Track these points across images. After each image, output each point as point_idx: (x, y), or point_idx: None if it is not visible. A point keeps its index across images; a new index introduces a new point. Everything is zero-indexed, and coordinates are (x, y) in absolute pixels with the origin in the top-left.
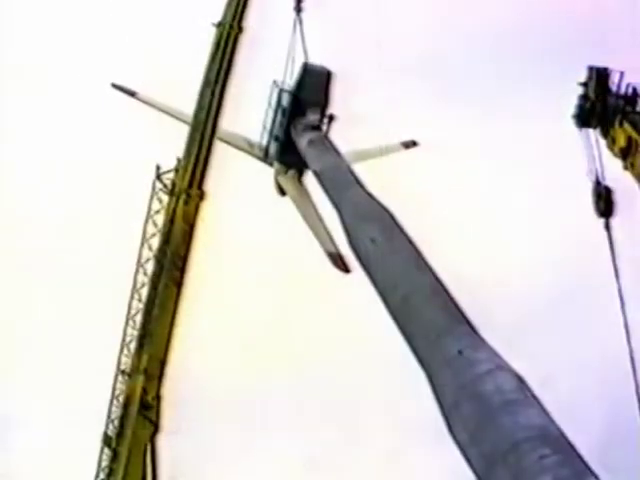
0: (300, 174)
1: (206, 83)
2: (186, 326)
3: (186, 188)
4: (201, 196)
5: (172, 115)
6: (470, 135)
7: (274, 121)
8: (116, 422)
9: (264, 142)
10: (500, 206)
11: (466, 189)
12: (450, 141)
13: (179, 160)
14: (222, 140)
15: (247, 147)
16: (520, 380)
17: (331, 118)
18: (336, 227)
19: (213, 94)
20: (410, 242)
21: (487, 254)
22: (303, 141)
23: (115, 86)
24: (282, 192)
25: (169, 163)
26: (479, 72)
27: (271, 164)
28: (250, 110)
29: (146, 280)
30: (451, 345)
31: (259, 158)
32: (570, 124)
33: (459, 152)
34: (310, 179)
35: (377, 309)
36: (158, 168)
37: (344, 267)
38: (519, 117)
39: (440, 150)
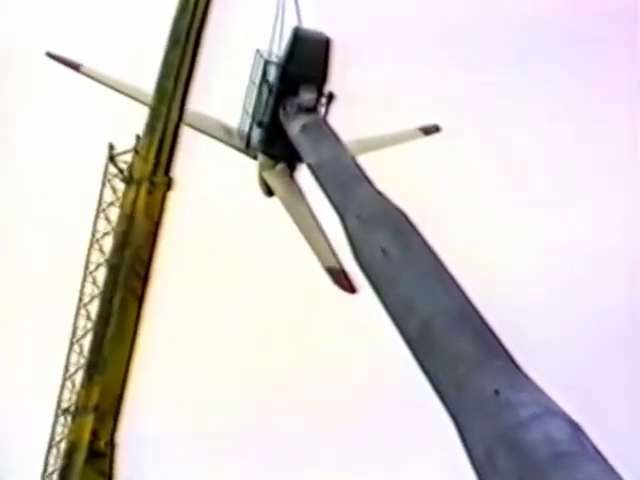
0: (291, 169)
1: (172, 43)
2: (149, 351)
3: (149, 174)
4: (168, 184)
5: (124, 92)
6: (497, 118)
7: (258, 101)
8: (56, 477)
9: (245, 128)
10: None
11: (494, 185)
12: (474, 125)
13: (139, 138)
14: (191, 126)
15: (223, 135)
16: (576, 427)
17: (330, 97)
18: (337, 235)
19: (183, 56)
20: (431, 252)
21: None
22: (295, 127)
23: (52, 56)
24: (269, 191)
25: (126, 142)
26: (504, 41)
27: (254, 156)
28: (227, 87)
29: (97, 292)
30: (485, 383)
31: (238, 149)
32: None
33: (484, 138)
34: (304, 175)
35: (388, 334)
36: (111, 147)
37: (348, 286)
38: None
39: (462, 136)
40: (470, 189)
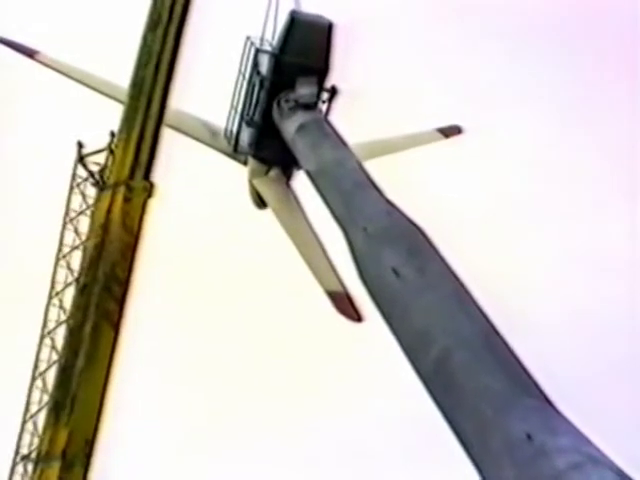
0: (287, 176)
1: (152, 24)
2: (126, 386)
3: (126, 178)
4: (149, 190)
5: (88, 84)
6: (521, 117)
7: (248, 97)
8: None
9: (233, 128)
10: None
11: (515, 192)
12: (495, 126)
13: (113, 135)
14: (169, 126)
15: (207, 136)
16: (624, 478)
17: (333, 92)
18: (341, 253)
19: (164, 39)
20: (450, 272)
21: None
22: (291, 126)
23: (3, 42)
24: (261, 202)
25: (98, 140)
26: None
27: (244, 161)
28: (211, 80)
29: (63, 317)
30: (515, 425)
31: (225, 153)
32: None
33: (506, 140)
34: (301, 183)
35: (399, 368)
36: (80, 146)
37: (354, 313)
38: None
39: (483, 137)
40: (489, 197)
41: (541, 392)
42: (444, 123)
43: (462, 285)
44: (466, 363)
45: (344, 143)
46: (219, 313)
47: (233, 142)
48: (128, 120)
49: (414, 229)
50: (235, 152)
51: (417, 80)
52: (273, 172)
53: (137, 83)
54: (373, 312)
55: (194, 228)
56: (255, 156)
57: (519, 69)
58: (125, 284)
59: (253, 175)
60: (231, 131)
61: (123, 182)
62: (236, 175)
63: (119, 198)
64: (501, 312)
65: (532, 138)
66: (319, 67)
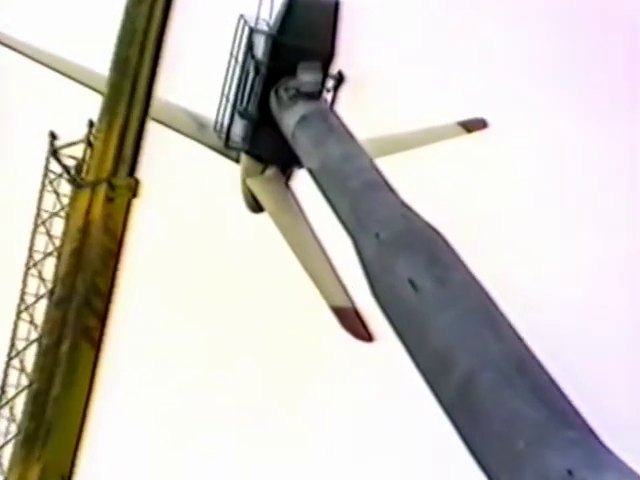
0: (286, 175)
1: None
2: (108, 413)
3: (108, 174)
4: (135, 189)
5: (56, 69)
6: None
7: (242, 85)
8: None
9: (224, 120)
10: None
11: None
12: (524, 119)
13: (92, 124)
14: (152, 117)
15: (194, 130)
16: None
17: (339, 80)
18: (348, 263)
19: (151, 13)
20: (475, 284)
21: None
22: (292, 118)
23: None
24: (256, 205)
25: (74, 130)
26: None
27: (236, 158)
28: (200, 65)
29: (35, 335)
30: (553, 460)
31: (215, 148)
32: None
33: (531, 136)
34: (302, 183)
35: (416, 394)
36: (53, 137)
37: (364, 332)
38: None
39: (510, 131)
40: (517, 200)
41: (583, 422)
42: (463, 115)
43: (489, 298)
44: (494, 387)
45: (352, 137)
46: (209, 326)
47: (224, 136)
48: (109, 107)
49: (434, 235)
50: (226, 147)
51: (432, 66)
52: (270, 171)
53: (119, 65)
54: (385, 330)
55: (183, 233)
56: (249, 152)
57: (545, 55)
58: (107, 296)
59: (247, 174)
60: (222, 124)
61: (104, 179)
62: (229, 171)
63: (100, 198)
64: (531, 329)
65: (564, 134)
66: (323, 51)
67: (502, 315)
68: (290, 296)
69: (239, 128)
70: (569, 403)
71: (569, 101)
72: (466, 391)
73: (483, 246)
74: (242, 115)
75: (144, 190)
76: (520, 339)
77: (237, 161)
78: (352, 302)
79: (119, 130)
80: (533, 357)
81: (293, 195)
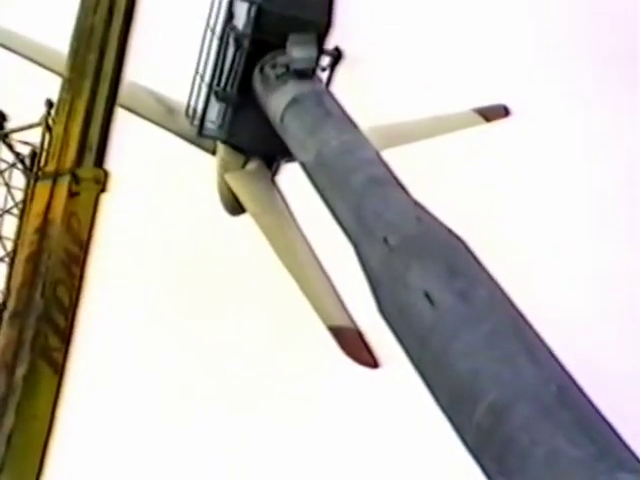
0: (272, 169)
1: None
2: (73, 448)
3: (72, 165)
4: (103, 182)
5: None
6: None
7: (220, 61)
8: None
9: (198, 104)
10: None
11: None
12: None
13: (51, 105)
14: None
15: (162, 115)
16: None
17: (337, 57)
18: (347, 274)
19: None
20: (504, 299)
21: None
22: (280, 101)
23: None
24: (237, 205)
25: (29, 112)
26: None
27: (212, 150)
28: (169, 39)
29: None
30: None
31: (186, 137)
32: None
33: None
34: (292, 178)
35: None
36: (3, 119)
37: (367, 356)
38: None
39: (527, 121)
40: (538, 195)
41: (637, 461)
42: (478, 101)
43: (520, 316)
44: (531, 421)
45: (354, 124)
46: (189, 344)
47: (198, 123)
48: (72, 84)
49: (454, 241)
50: (200, 136)
51: (443, 43)
52: (252, 164)
53: (83, 35)
54: (394, 355)
55: (159, 233)
56: (227, 142)
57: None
58: (71, 310)
59: (225, 168)
60: (195, 108)
61: (67, 170)
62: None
63: (62, 192)
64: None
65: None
66: (318, 21)
67: (537, 335)
68: (280, 302)
69: (216, 113)
70: (619, 439)
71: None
72: (496, 425)
73: (500, 253)
74: (220, 97)
75: (113, 184)
76: (558, 362)
77: (213, 152)
78: (353, 321)
79: (83, 112)
80: (575, 384)
81: (280, 193)
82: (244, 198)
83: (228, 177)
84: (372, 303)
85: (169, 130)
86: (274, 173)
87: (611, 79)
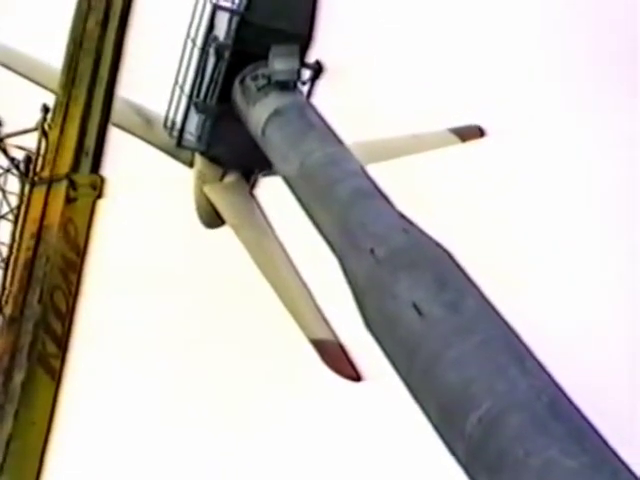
0: (250, 182)
1: None
2: (71, 454)
3: (68, 170)
4: (100, 188)
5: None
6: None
7: (199, 72)
8: None
9: (177, 116)
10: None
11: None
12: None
13: (47, 110)
14: None
15: (139, 126)
16: None
17: (318, 70)
18: (328, 286)
19: None
20: (492, 310)
21: None
22: (262, 113)
23: None
24: (216, 218)
25: (24, 116)
26: None
27: (189, 162)
28: (148, 49)
29: None
30: None
31: (164, 148)
32: None
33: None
34: (271, 191)
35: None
36: None
37: (349, 369)
38: None
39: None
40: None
41: (631, 473)
42: (457, 118)
43: (508, 327)
44: (524, 432)
45: (337, 137)
46: (189, 351)
47: (176, 134)
48: (68, 89)
49: (441, 252)
50: (179, 147)
51: (423, 57)
52: (231, 177)
53: (78, 38)
54: (378, 367)
55: (155, 239)
56: (206, 154)
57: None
58: (69, 317)
59: (203, 180)
60: (173, 119)
61: (64, 176)
62: None
63: (59, 198)
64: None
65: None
66: (300, 33)
67: (526, 346)
68: (261, 314)
69: (194, 125)
70: (611, 450)
71: (572, 103)
72: (489, 438)
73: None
74: (199, 109)
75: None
76: (548, 373)
77: (190, 165)
78: (334, 334)
79: (80, 116)
80: (565, 394)
81: (259, 205)
82: (223, 210)
83: (207, 189)
84: (353, 316)
85: (146, 141)
86: (252, 185)
87: (608, 89)
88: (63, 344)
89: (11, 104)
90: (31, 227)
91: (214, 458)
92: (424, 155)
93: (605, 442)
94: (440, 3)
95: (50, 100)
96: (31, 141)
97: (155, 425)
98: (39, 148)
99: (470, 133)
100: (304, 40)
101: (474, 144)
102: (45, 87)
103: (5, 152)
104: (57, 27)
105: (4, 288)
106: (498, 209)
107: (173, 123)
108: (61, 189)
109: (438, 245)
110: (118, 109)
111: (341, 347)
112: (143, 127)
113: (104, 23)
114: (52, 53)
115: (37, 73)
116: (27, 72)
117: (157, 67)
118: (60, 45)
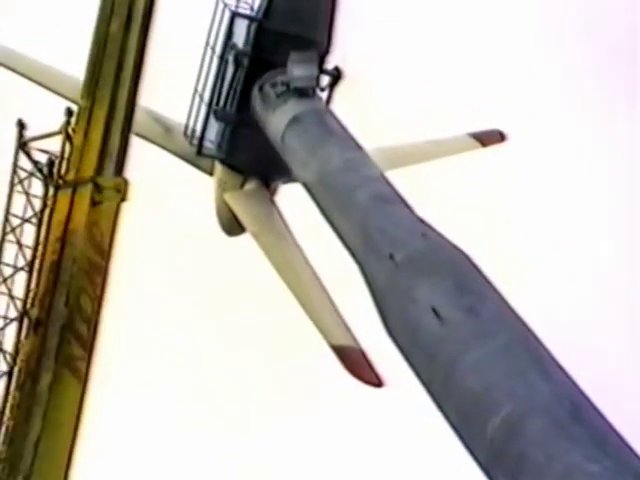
0: (271, 190)
1: None
2: (98, 455)
3: (92, 173)
4: (124, 191)
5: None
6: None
7: (219, 80)
8: None
9: (197, 123)
10: None
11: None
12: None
13: (71, 113)
14: None
15: (159, 134)
16: None
17: (337, 76)
18: (349, 292)
19: None
20: (513, 314)
21: None
22: (281, 120)
23: None
24: (236, 225)
25: (48, 120)
26: None
27: (209, 170)
28: (168, 57)
29: (5, 366)
30: None
31: (184, 157)
32: None
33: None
34: (292, 198)
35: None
36: (22, 127)
37: (371, 375)
38: None
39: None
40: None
41: None
42: (477, 123)
43: (529, 331)
44: (546, 437)
45: (356, 143)
46: (208, 354)
47: (196, 142)
48: (91, 93)
49: (460, 256)
50: (199, 155)
51: (439, 63)
52: (251, 184)
53: (101, 42)
54: (399, 373)
55: (178, 242)
56: (226, 162)
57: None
58: (94, 320)
59: (223, 188)
60: (193, 127)
61: (89, 179)
62: None
63: (84, 201)
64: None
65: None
66: (318, 40)
67: (547, 350)
68: (283, 321)
69: (214, 133)
70: (635, 454)
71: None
72: (510, 441)
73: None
74: (218, 117)
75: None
76: (569, 377)
77: (210, 173)
78: (356, 340)
79: (103, 120)
80: (587, 398)
81: (279, 212)
82: (244, 218)
83: (227, 197)
84: (374, 322)
85: (167, 149)
86: (272, 192)
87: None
88: (89, 346)
89: (34, 108)
90: (56, 230)
91: (239, 462)
92: (444, 160)
93: (628, 446)
94: (455, 12)
95: (73, 104)
96: (54, 144)
97: (180, 426)
98: (63, 151)
99: (491, 138)
100: (322, 46)
101: (492, 149)
102: (64, 96)
103: (29, 155)
104: (56, 27)
105: (29, 291)
106: (514, 213)
107: (193, 131)
108: (86, 192)
109: (457, 249)
110: (138, 118)
111: (362, 353)
112: (163, 136)
113: (126, 26)
114: (52, 53)
115: (55, 82)
116: (46, 82)
117: (176, 75)
118: (60, 45)
